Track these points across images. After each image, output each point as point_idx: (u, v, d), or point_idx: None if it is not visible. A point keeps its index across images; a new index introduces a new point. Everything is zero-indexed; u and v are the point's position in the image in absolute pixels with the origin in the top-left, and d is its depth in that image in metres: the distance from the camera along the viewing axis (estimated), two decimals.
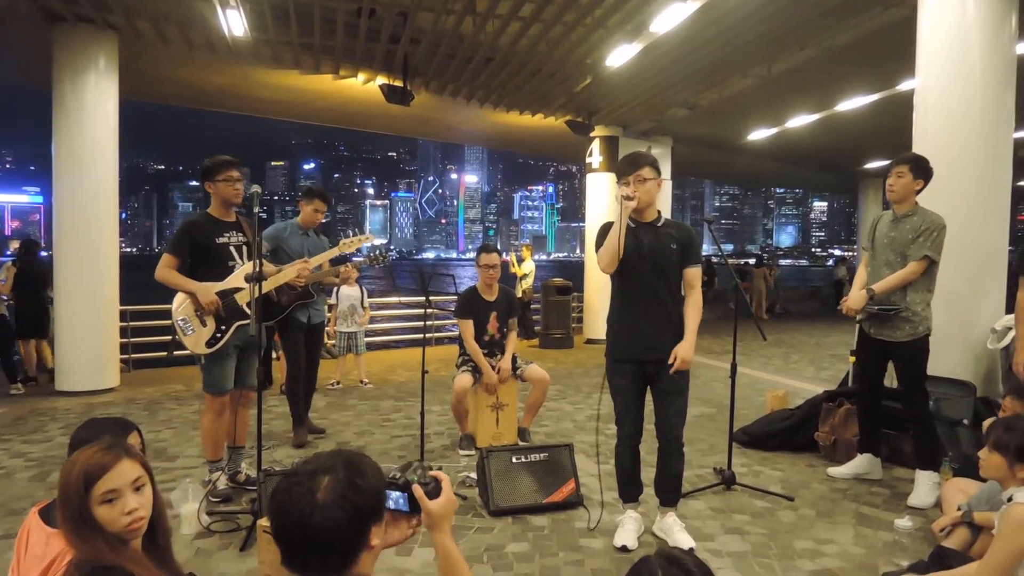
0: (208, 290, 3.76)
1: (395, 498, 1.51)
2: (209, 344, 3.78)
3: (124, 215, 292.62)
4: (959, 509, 2.82)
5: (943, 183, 4.45)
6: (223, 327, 3.80)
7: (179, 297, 3.80)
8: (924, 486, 3.89)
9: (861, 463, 4.35)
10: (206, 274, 3.82)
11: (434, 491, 1.52)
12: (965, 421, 4.29)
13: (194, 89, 9.86)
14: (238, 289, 3.85)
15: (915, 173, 3.91)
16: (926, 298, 3.90)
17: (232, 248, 3.91)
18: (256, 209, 3.50)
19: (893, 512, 3.76)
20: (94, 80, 7.10)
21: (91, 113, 7.11)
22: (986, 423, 3.60)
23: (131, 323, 8.54)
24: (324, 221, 5.17)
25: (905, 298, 3.89)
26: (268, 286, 3.98)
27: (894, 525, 3.52)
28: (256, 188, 3.60)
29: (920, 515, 3.69)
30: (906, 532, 3.45)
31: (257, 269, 3.44)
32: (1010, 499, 2.29)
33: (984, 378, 4.65)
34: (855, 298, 4.01)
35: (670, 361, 3.20)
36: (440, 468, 4.62)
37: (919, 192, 3.97)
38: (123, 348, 8.17)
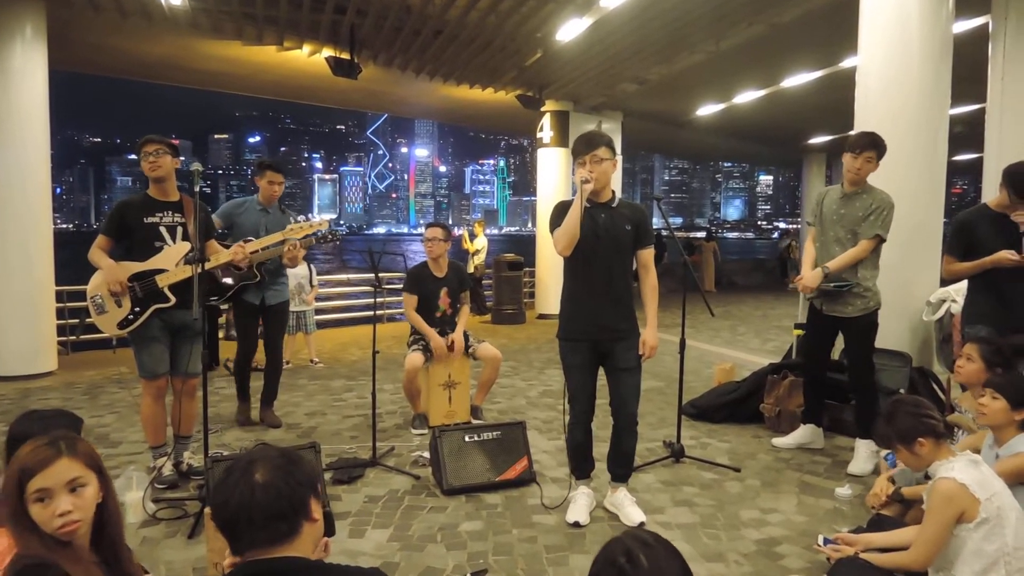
0: (115, 270, 3.63)
1: None
2: (121, 326, 3.69)
3: (59, 190, 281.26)
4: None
5: (883, 158, 4.55)
6: (137, 309, 3.68)
7: (97, 275, 3.72)
8: (863, 455, 4.04)
9: (804, 433, 4.49)
10: (132, 254, 3.70)
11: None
12: (901, 391, 4.45)
13: (130, 59, 9.41)
14: (160, 271, 3.69)
15: (879, 158, 3.92)
16: (875, 274, 4.01)
17: (163, 228, 3.74)
18: (197, 187, 3.39)
19: (834, 480, 3.90)
20: (20, 49, 6.71)
21: (18, 83, 6.73)
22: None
23: (68, 303, 8.21)
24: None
25: (856, 274, 3.98)
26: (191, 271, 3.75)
27: (835, 493, 3.66)
28: (196, 165, 3.48)
29: (859, 483, 3.83)
30: (846, 500, 3.59)
31: (197, 251, 3.34)
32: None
33: (920, 349, 4.83)
34: (810, 276, 4.03)
35: (640, 352, 3.27)
36: (393, 448, 4.60)
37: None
38: (61, 330, 7.87)
